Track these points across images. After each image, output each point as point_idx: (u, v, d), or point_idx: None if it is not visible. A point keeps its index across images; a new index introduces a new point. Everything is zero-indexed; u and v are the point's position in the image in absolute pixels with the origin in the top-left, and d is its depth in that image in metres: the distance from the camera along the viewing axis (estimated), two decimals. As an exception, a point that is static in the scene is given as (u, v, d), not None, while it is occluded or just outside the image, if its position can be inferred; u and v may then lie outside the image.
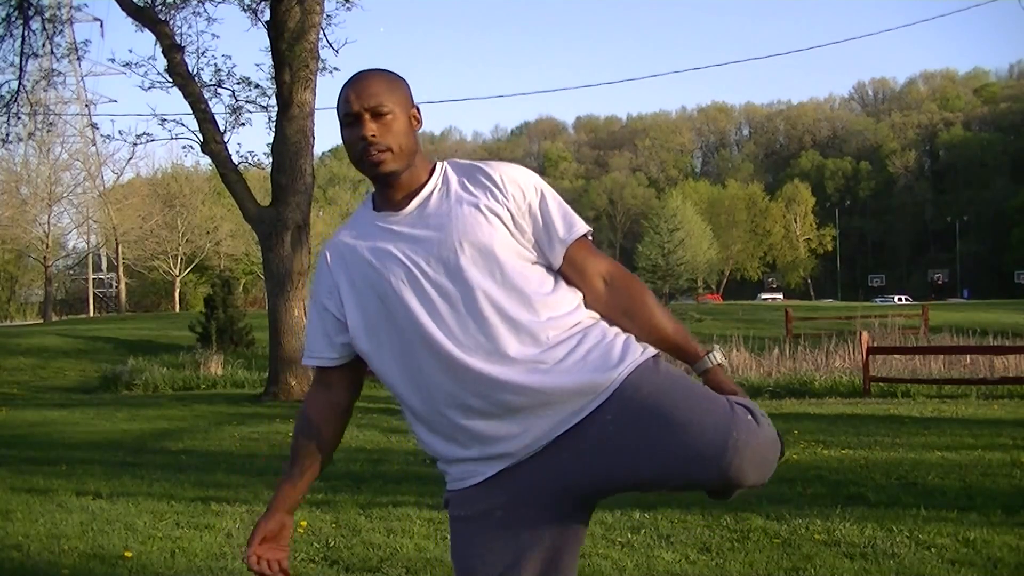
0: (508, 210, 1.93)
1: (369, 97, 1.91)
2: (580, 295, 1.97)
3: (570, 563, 1.93)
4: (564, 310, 1.91)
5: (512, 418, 1.85)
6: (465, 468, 1.92)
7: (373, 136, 1.90)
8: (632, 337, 1.93)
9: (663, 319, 1.97)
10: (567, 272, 1.97)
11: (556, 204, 1.98)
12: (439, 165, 2.02)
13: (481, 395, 1.85)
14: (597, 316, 1.95)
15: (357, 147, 1.92)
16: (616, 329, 1.94)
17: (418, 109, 2.01)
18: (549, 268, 1.97)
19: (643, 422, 1.79)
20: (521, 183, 1.96)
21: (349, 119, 1.93)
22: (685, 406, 1.79)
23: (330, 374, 2.04)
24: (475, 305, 1.86)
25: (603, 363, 1.85)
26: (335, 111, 1.98)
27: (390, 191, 1.97)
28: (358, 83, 1.95)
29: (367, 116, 1.91)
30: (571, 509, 1.90)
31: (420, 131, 2.03)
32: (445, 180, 1.98)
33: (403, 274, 1.90)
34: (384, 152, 1.91)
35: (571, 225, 1.97)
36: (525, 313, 1.87)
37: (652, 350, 1.92)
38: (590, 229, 2.01)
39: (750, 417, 1.78)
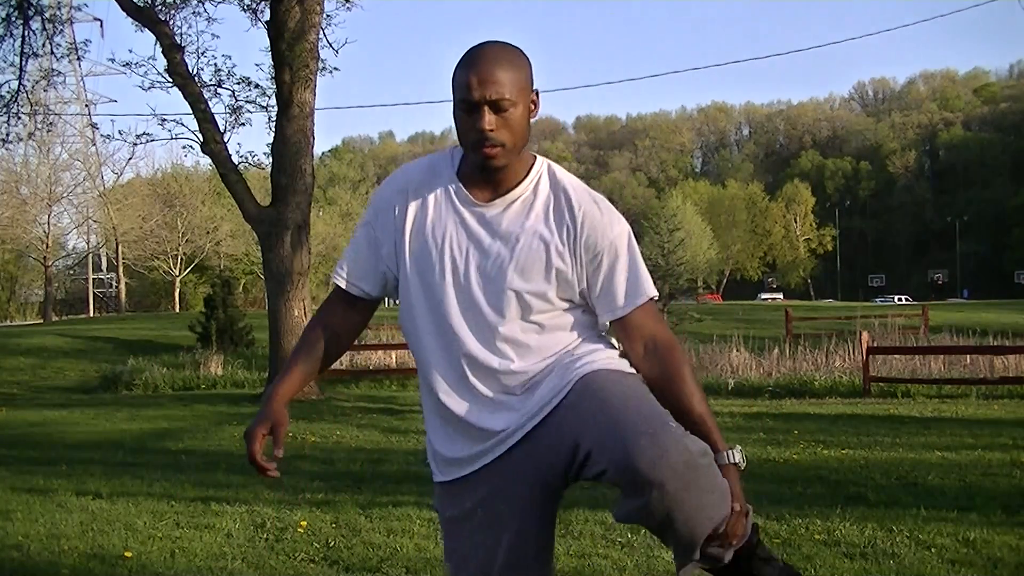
0: (573, 255, 1.90)
1: (494, 87, 1.80)
2: (615, 346, 1.99)
3: (545, 544, 1.98)
4: (592, 341, 1.98)
5: (496, 407, 1.91)
6: (453, 447, 1.97)
7: (491, 130, 1.82)
8: (619, 354, 1.96)
9: (694, 402, 1.89)
10: (613, 326, 1.98)
11: (625, 266, 1.93)
12: (536, 165, 1.95)
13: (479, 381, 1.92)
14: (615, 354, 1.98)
15: (470, 136, 1.84)
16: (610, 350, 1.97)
17: (537, 93, 1.91)
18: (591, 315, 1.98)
19: (586, 403, 1.80)
20: (600, 233, 1.91)
21: (467, 106, 1.82)
22: (627, 397, 1.78)
23: (347, 297, 2.05)
24: (499, 333, 1.90)
25: (577, 363, 1.90)
26: (451, 84, 1.85)
27: (484, 176, 1.92)
28: (482, 67, 1.81)
29: (487, 108, 1.81)
30: (540, 496, 1.93)
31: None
32: (536, 190, 1.93)
33: (452, 268, 1.90)
34: (497, 148, 1.83)
35: (634, 294, 1.93)
36: (536, 362, 1.91)
37: (628, 367, 1.92)
38: (654, 296, 1.96)
39: (674, 426, 1.72)
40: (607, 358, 1.92)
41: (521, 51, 1.90)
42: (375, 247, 1.98)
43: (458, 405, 1.93)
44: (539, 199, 1.92)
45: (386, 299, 2.14)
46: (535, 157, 1.96)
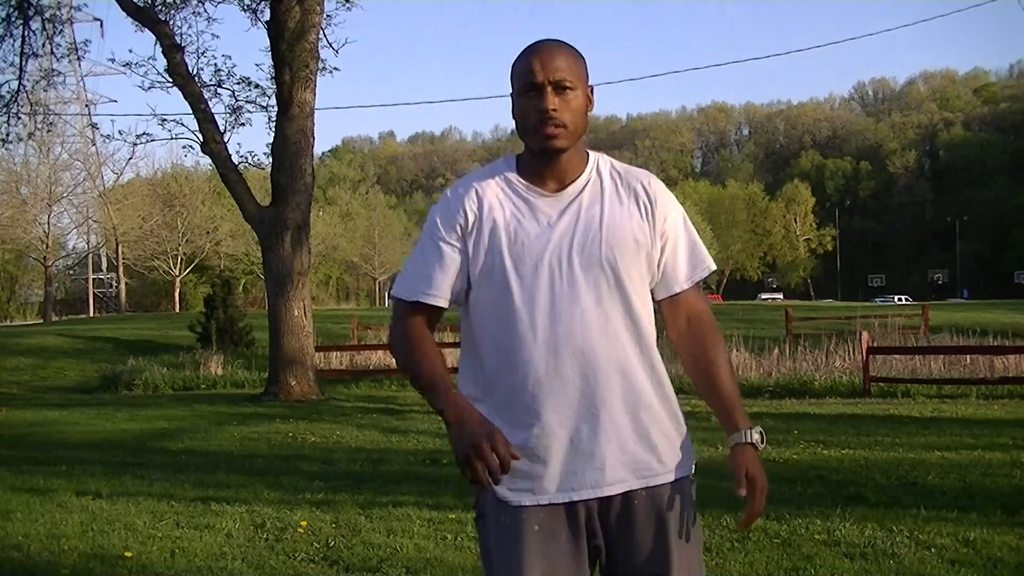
0: (651, 232, 1.93)
1: (556, 70, 1.87)
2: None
3: None
4: (657, 351, 1.96)
5: (545, 454, 1.86)
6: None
7: (554, 110, 1.86)
8: (688, 439, 1.98)
9: (724, 377, 1.95)
10: (662, 302, 1.99)
11: (686, 242, 1.98)
12: (592, 155, 1.99)
13: (533, 412, 1.86)
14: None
15: (532, 118, 1.87)
16: (679, 416, 1.97)
17: (592, 90, 1.98)
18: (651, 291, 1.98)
19: (653, 538, 1.87)
20: (668, 209, 1.96)
21: (530, 88, 1.87)
22: (686, 556, 1.88)
23: (425, 310, 1.95)
24: (607, 321, 1.87)
25: (672, 455, 1.92)
26: (510, 78, 1.91)
27: (546, 167, 1.92)
28: (545, 53, 1.89)
29: (550, 89, 1.86)
30: (585, 554, 1.91)
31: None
32: (599, 175, 1.96)
33: (543, 259, 1.86)
34: (560, 128, 1.87)
35: (695, 266, 1.98)
36: (647, 345, 1.91)
37: (692, 465, 1.97)
38: (714, 268, 2.02)
39: None
40: (689, 451, 1.98)
41: (579, 51, 1.97)
42: (454, 255, 1.93)
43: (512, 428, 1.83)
44: (606, 181, 1.95)
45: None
46: (588, 150, 2.00)
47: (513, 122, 1.95)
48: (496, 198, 1.93)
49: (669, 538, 1.87)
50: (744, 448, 1.88)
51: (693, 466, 1.98)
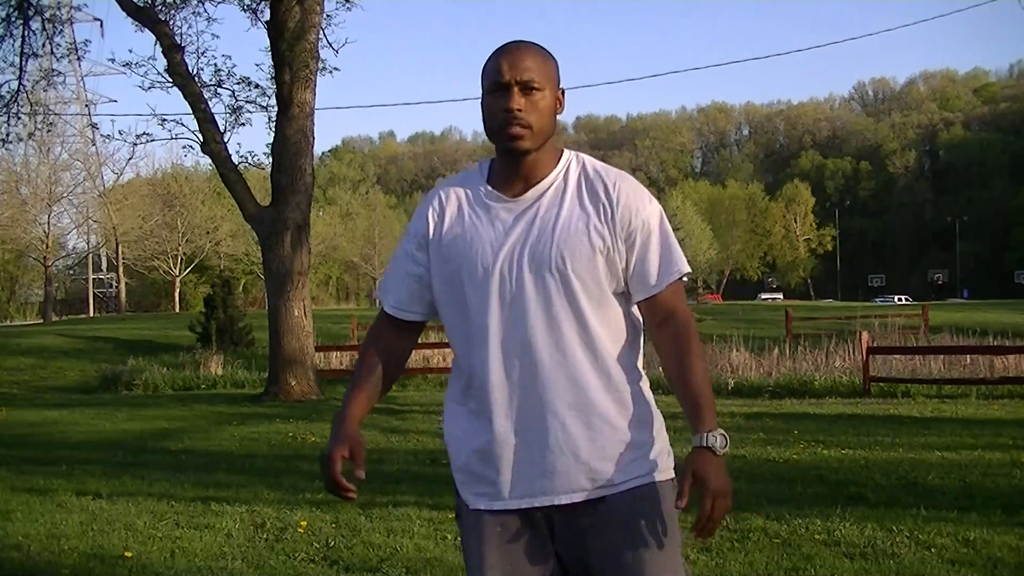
0: (613, 234, 1.90)
1: (523, 70, 1.87)
2: (640, 333, 1.98)
3: None
4: (632, 358, 1.94)
5: (497, 462, 1.87)
6: (467, 472, 1.94)
7: (519, 110, 1.86)
8: (667, 447, 1.96)
9: (692, 379, 1.87)
10: (640, 301, 1.96)
11: (658, 243, 1.94)
12: (565, 156, 1.98)
13: (507, 418, 1.87)
14: (644, 375, 1.97)
15: (498, 118, 1.88)
16: (658, 420, 1.96)
17: (563, 92, 1.98)
18: (622, 294, 1.96)
19: (619, 542, 1.84)
20: (633, 210, 1.93)
21: (497, 87, 1.88)
22: (657, 564, 1.83)
23: (397, 323, 2.03)
24: (555, 325, 1.86)
25: (638, 463, 1.89)
26: (480, 78, 1.92)
27: (512, 169, 1.93)
28: (513, 53, 1.90)
29: (517, 89, 1.87)
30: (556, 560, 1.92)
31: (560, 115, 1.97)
32: (566, 177, 1.95)
33: (492, 265, 1.88)
34: (525, 128, 1.87)
35: (666, 270, 1.94)
36: (598, 351, 1.88)
37: (671, 471, 1.93)
38: (688, 271, 1.98)
39: None
40: (665, 458, 1.95)
41: (551, 53, 1.98)
42: (417, 269, 1.98)
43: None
44: (570, 184, 1.94)
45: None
46: (563, 150, 1.99)
47: (482, 123, 1.96)
48: (457, 207, 1.96)
49: (638, 546, 1.84)
50: (700, 452, 1.78)
51: (671, 470, 1.94)
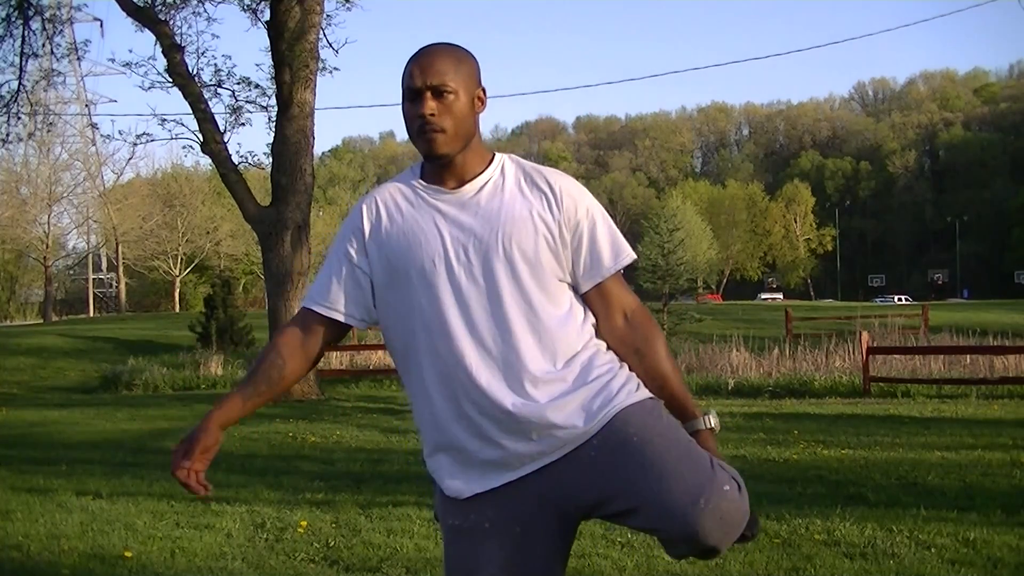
0: (558, 223, 1.92)
1: (434, 75, 1.88)
2: (592, 320, 1.97)
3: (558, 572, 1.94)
4: (583, 335, 1.93)
5: (499, 436, 1.86)
6: (447, 468, 1.93)
7: (432, 115, 1.88)
8: (634, 375, 1.94)
9: (669, 369, 1.96)
10: (592, 298, 1.97)
11: (606, 230, 1.97)
12: (498, 157, 2.00)
13: (474, 402, 1.87)
14: (603, 344, 1.96)
15: (414, 124, 1.90)
16: (619, 362, 1.95)
17: (483, 90, 1.98)
18: (573, 288, 1.97)
19: (623, 458, 1.81)
20: (576, 200, 1.95)
21: (411, 94, 1.90)
22: (669, 456, 1.79)
23: (319, 322, 2.00)
24: (501, 308, 1.87)
25: (600, 400, 1.86)
26: (400, 83, 1.94)
27: (441, 171, 1.95)
28: (424, 58, 1.91)
29: (428, 94, 1.88)
30: (555, 526, 1.90)
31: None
32: (502, 173, 1.96)
33: (440, 255, 1.89)
34: (439, 132, 1.88)
35: (617, 254, 1.96)
36: (545, 329, 1.88)
37: (646, 392, 1.92)
38: (634, 257, 2.01)
39: (727, 488, 1.77)
40: (632, 386, 1.91)
41: (467, 50, 1.98)
42: (351, 268, 1.97)
43: (463, 414, 1.88)
44: (508, 179, 1.96)
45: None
46: (494, 153, 2.01)
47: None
48: (395, 203, 1.96)
49: (645, 451, 1.80)
50: (703, 434, 1.94)
51: (646, 391, 1.92)
